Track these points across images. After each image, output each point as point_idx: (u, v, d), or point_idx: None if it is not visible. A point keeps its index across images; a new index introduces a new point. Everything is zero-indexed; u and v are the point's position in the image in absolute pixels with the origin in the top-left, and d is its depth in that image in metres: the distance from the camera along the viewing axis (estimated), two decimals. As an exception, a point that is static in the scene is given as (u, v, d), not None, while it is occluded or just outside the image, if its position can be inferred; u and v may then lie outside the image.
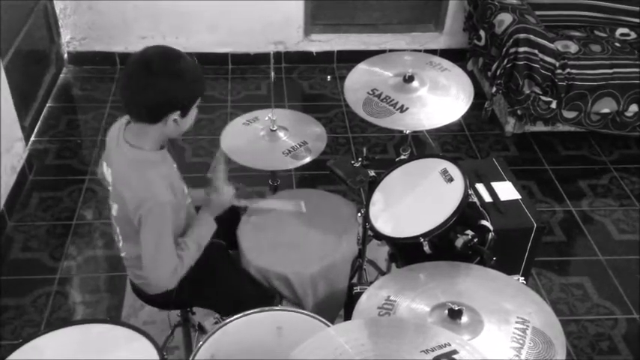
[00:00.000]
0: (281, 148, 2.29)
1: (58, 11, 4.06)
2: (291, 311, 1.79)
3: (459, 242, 1.78)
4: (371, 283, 1.79)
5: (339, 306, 2.14)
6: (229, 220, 2.12)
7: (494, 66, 3.60)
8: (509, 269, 1.78)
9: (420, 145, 3.64)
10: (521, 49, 3.41)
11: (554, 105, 3.50)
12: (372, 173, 2.03)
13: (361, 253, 2.18)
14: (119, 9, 4.05)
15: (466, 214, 1.85)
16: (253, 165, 2.26)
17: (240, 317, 1.74)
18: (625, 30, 3.83)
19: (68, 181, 3.35)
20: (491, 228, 1.85)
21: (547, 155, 3.68)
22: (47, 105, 3.88)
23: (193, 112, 1.79)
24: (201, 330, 2.28)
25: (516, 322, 1.56)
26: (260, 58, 4.28)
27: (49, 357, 1.62)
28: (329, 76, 4.27)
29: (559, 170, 3.57)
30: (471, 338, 1.51)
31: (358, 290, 1.89)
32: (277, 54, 4.30)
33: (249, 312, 1.75)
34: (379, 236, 1.94)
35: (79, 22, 4.10)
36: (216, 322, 2.02)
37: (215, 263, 2.01)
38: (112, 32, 4.14)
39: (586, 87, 3.44)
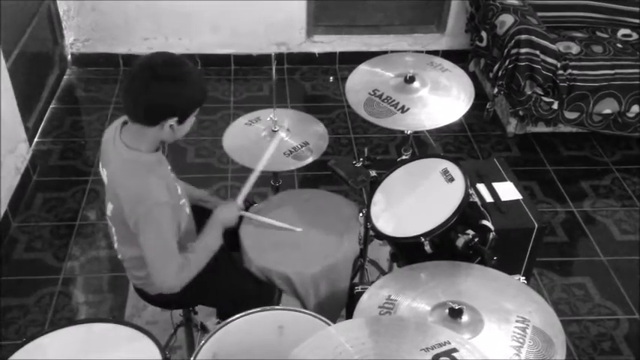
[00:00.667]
0: (283, 148, 2.30)
1: (61, 13, 4.08)
2: (293, 310, 1.79)
3: (460, 242, 1.79)
4: (372, 282, 1.79)
5: (340, 306, 2.15)
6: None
7: (496, 67, 3.60)
8: (510, 269, 1.79)
9: (422, 146, 3.64)
10: (523, 50, 3.42)
11: (555, 106, 3.50)
12: (373, 173, 2.04)
13: (363, 253, 2.19)
14: (122, 10, 4.07)
15: (467, 214, 1.85)
16: (255, 165, 2.27)
17: (242, 316, 1.75)
18: (627, 31, 3.83)
19: (72, 182, 3.37)
20: (492, 228, 1.85)
21: (549, 156, 3.68)
22: (51, 106, 3.90)
23: (190, 121, 1.81)
24: (204, 330, 2.30)
25: (516, 322, 1.57)
26: (262, 60, 4.30)
27: (52, 356, 1.63)
28: (331, 77, 4.29)
29: (561, 171, 3.57)
30: (471, 337, 1.51)
31: (359, 290, 1.90)
32: (280, 55, 4.31)
33: (250, 311, 1.76)
34: (380, 236, 1.95)
35: (82, 23, 4.12)
36: (218, 322, 2.03)
37: (216, 262, 2.02)
38: (115, 34, 4.15)
39: (588, 88, 3.45)
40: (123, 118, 1.84)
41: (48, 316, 2.68)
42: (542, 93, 3.49)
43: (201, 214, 2.06)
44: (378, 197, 2.02)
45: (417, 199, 1.96)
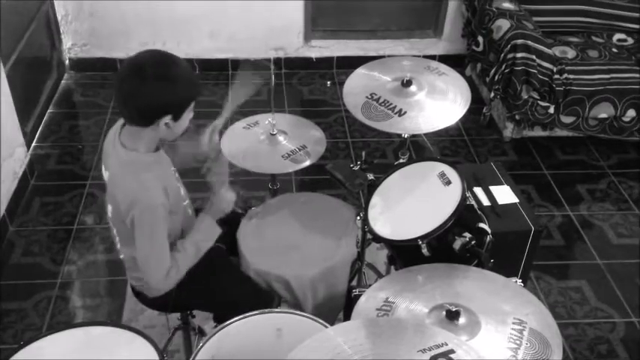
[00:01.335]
0: (280, 151, 2.31)
1: (59, 18, 4.09)
2: (291, 313, 1.80)
3: (457, 244, 1.79)
4: (370, 285, 1.80)
5: (338, 309, 2.15)
6: (229, 224, 2.13)
7: (493, 71, 3.62)
8: (507, 272, 1.79)
9: (420, 150, 3.66)
10: (519, 55, 3.43)
11: (552, 110, 3.52)
12: (370, 177, 2.05)
13: (360, 256, 2.19)
14: (120, 15, 4.08)
15: (464, 216, 1.86)
16: (253, 168, 2.28)
17: (240, 319, 1.75)
18: (622, 35, 3.85)
19: (69, 186, 3.37)
20: (489, 231, 1.85)
21: (545, 160, 3.70)
22: (49, 111, 3.91)
23: (187, 116, 1.80)
24: (201, 333, 2.29)
25: (513, 323, 1.57)
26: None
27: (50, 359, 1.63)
28: (329, 82, 4.30)
29: (557, 175, 3.59)
30: (468, 339, 1.52)
31: (357, 293, 1.90)
32: (277, 60, 4.32)
33: (249, 314, 1.77)
34: (378, 239, 1.95)
35: (80, 28, 4.13)
36: (215, 326, 2.03)
37: (215, 267, 2.02)
38: (113, 39, 4.16)
39: (583, 92, 3.47)
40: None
41: (45, 320, 2.68)
42: (538, 97, 3.50)
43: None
44: (376, 200, 2.02)
45: (415, 202, 1.96)
